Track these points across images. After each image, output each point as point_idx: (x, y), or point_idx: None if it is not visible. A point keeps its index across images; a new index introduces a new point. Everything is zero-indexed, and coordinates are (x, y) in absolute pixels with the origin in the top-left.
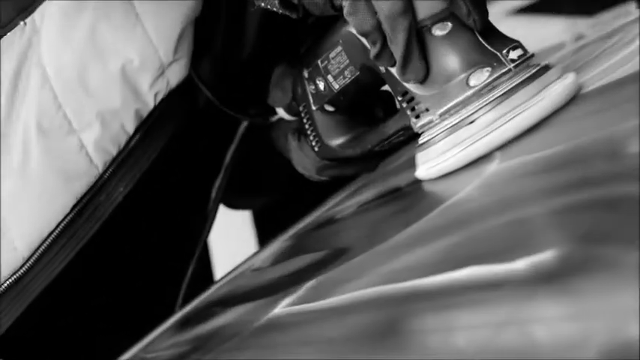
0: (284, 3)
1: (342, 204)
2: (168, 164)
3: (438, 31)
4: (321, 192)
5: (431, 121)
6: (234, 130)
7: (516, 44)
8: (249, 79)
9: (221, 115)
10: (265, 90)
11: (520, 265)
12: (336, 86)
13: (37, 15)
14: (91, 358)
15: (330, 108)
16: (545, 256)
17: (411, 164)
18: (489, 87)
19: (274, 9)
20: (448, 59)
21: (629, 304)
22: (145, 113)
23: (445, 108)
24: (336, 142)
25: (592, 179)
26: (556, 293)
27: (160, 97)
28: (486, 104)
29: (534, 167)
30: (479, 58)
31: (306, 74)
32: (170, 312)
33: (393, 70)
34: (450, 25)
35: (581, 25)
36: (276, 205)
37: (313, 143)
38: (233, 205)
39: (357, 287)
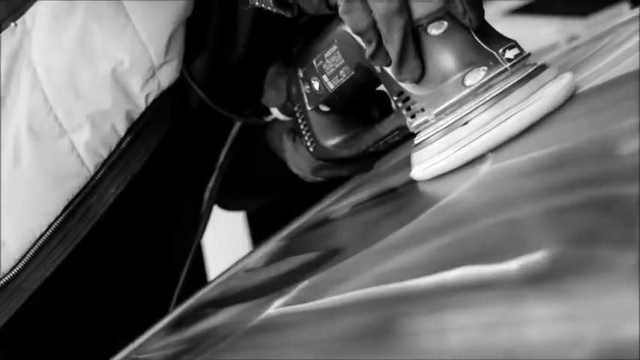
0: (278, 2)
1: (336, 204)
2: (161, 165)
3: (434, 30)
4: (315, 192)
5: (426, 121)
6: (228, 130)
7: (512, 43)
8: (242, 79)
9: (214, 116)
10: (259, 90)
11: (512, 265)
12: (332, 86)
13: (27, 16)
14: (83, 359)
15: (325, 108)
16: (537, 257)
17: (407, 164)
18: (485, 86)
19: (268, 8)
20: (444, 58)
21: (621, 305)
22: (136, 115)
23: (441, 108)
24: (331, 142)
25: (585, 180)
26: (548, 294)
27: (151, 99)
28: (482, 104)
29: (527, 168)
30: (475, 58)
31: (300, 74)
32: (164, 313)
33: (389, 70)
34: (445, 24)
35: (575, 25)
36: (270, 206)
37: (308, 144)
38: (227, 206)
39: (350, 288)
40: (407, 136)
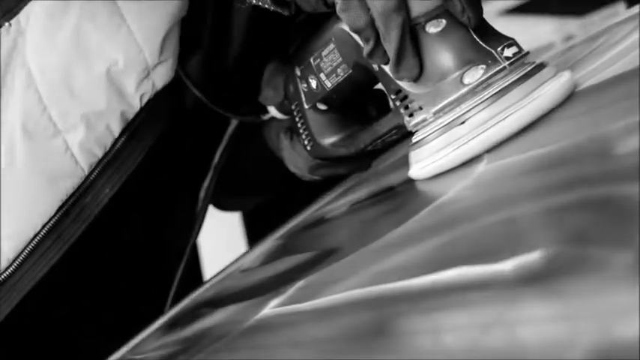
0: (276, 0)
1: (332, 203)
2: (156, 165)
3: (432, 28)
4: (311, 191)
5: (425, 120)
6: (223, 130)
7: (511, 42)
8: (238, 78)
9: (210, 115)
10: (256, 89)
11: (507, 265)
12: (329, 84)
13: (22, 16)
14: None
15: (322, 106)
16: (532, 257)
17: (404, 163)
18: (484, 85)
19: (266, 6)
20: (442, 57)
21: (616, 305)
22: (130, 115)
23: (439, 106)
24: (329, 140)
25: (582, 179)
26: (543, 294)
27: (145, 99)
28: (481, 102)
29: (523, 167)
30: (473, 56)
31: (298, 72)
32: (159, 313)
33: (387, 68)
34: (444, 22)
35: (571, 25)
36: (266, 205)
37: (305, 142)
38: (222, 206)
39: (346, 288)
40: (405, 135)
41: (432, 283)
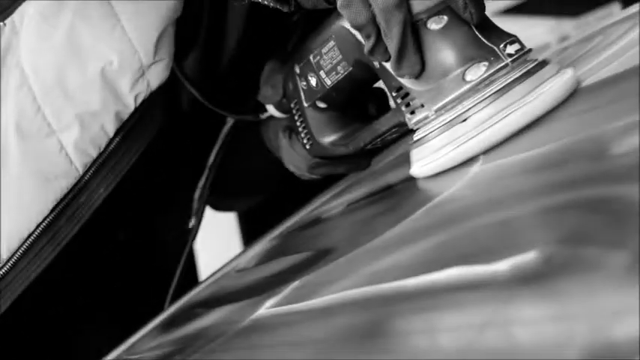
0: None
1: (329, 203)
2: (152, 165)
3: (434, 24)
4: (307, 191)
5: (426, 117)
6: (219, 129)
7: (514, 39)
8: (235, 77)
9: (206, 115)
10: (253, 87)
11: (503, 266)
12: (329, 82)
13: (16, 16)
14: (76, 359)
15: (322, 105)
16: (528, 257)
17: (403, 161)
18: (486, 82)
19: (265, 2)
20: (444, 54)
21: (611, 305)
22: (125, 115)
23: (441, 104)
24: (328, 139)
25: (577, 180)
26: (539, 294)
27: (140, 99)
28: (483, 100)
29: (520, 167)
30: (475, 53)
31: (297, 70)
32: (155, 312)
33: (388, 65)
34: (445, 18)
35: (566, 26)
36: (262, 205)
37: (305, 141)
38: (217, 206)
39: (342, 288)
40: (404, 134)
41: (427, 283)
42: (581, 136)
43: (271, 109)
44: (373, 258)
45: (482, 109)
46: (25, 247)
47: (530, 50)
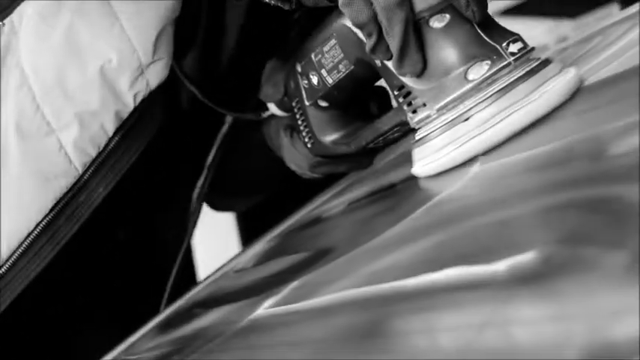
0: None
1: (330, 202)
2: (151, 164)
3: (436, 23)
4: (307, 190)
5: (428, 116)
6: (217, 129)
7: (516, 37)
8: (234, 77)
9: (205, 114)
10: (253, 86)
11: (502, 266)
12: (330, 80)
13: (15, 16)
14: (74, 359)
15: (323, 103)
16: (526, 257)
17: (405, 160)
18: (489, 81)
19: (266, 0)
20: (446, 52)
21: (610, 305)
22: (125, 114)
23: (443, 103)
24: (330, 138)
25: (577, 180)
26: (537, 294)
27: (139, 98)
28: (485, 99)
29: (519, 167)
30: (478, 51)
31: (299, 68)
32: (154, 311)
33: (389, 64)
34: (448, 17)
35: (565, 26)
36: (261, 205)
37: (306, 140)
38: (215, 205)
39: (341, 288)
40: (406, 133)
41: (426, 283)
42: (580, 136)
43: (272, 108)
44: (373, 258)
45: (484, 108)
46: (24, 246)
47: (533, 49)
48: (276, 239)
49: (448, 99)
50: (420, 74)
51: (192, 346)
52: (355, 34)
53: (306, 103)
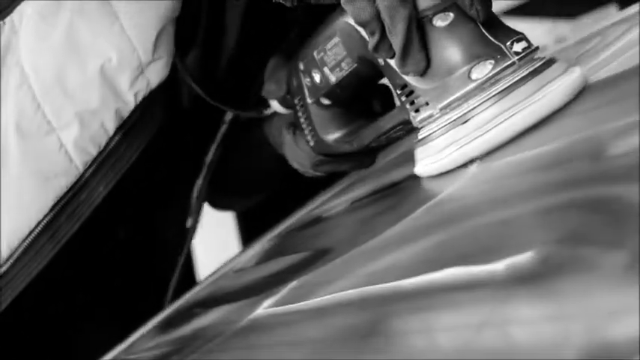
0: None
1: (331, 201)
2: (151, 162)
3: (440, 21)
4: (307, 189)
5: (431, 116)
6: (217, 128)
7: (521, 36)
8: (235, 76)
9: (205, 113)
10: (254, 85)
11: (500, 266)
12: (333, 79)
13: (15, 15)
14: (74, 358)
15: (326, 101)
16: (525, 257)
17: (407, 159)
18: (492, 80)
19: None
20: (449, 51)
21: (609, 305)
22: (125, 113)
23: (446, 102)
24: (333, 136)
25: (576, 180)
26: (536, 294)
27: (140, 97)
28: (488, 99)
29: (518, 167)
30: (482, 51)
31: (301, 66)
32: (155, 310)
33: (392, 62)
34: (451, 15)
35: (563, 27)
36: (260, 205)
37: (308, 138)
38: (216, 204)
39: (340, 288)
40: (409, 131)
41: (425, 283)
42: (580, 136)
43: (275, 105)
44: (372, 258)
45: (487, 108)
46: (25, 244)
47: (537, 48)
48: (276, 239)
49: (451, 98)
50: (422, 73)
51: (192, 346)
52: (358, 31)
53: (309, 101)
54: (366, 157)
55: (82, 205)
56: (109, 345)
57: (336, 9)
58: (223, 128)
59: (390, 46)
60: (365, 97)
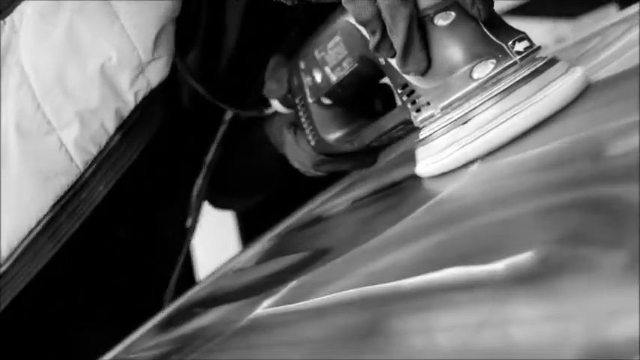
0: None
1: (331, 201)
2: (151, 162)
3: (441, 20)
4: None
5: (432, 115)
6: (217, 127)
7: (522, 36)
8: (235, 76)
9: (204, 113)
10: (255, 85)
11: (500, 266)
12: (334, 78)
13: (16, 15)
14: (74, 357)
15: (327, 101)
16: (525, 257)
17: (407, 159)
18: (494, 80)
19: None
20: (451, 50)
21: (609, 305)
22: (125, 112)
23: (447, 102)
24: (333, 136)
25: (576, 180)
26: (535, 294)
27: (140, 96)
28: (489, 99)
29: (518, 167)
30: (483, 50)
31: (302, 65)
32: (155, 309)
33: (393, 62)
34: (453, 14)
35: (563, 27)
36: (260, 204)
37: (309, 137)
38: (216, 203)
39: (339, 288)
40: (411, 131)
41: (424, 283)
42: (579, 136)
43: (276, 104)
44: (372, 258)
45: (488, 108)
46: (25, 244)
47: (539, 48)
48: (276, 238)
49: (452, 98)
50: (424, 73)
51: (192, 346)
52: (359, 31)
53: (310, 101)
54: (367, 156)
55: (82, 205)
56: (109, 345)
57: (336, 8)
58: (223, 128)
59: (391, 45)
60: (366, 96)
